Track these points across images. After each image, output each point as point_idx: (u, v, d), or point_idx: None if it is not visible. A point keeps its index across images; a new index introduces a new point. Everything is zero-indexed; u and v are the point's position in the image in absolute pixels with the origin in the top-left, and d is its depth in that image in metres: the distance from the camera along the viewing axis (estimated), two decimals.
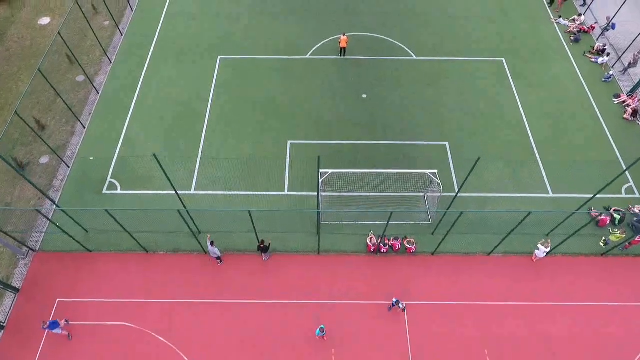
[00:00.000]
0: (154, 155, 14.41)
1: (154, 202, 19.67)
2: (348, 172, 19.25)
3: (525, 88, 24.22)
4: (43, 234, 18.86)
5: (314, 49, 26.05)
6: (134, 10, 28.19)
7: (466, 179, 16.45)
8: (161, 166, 14.89)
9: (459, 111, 23.13)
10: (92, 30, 24.31)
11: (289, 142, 21.89)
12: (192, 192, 20.18)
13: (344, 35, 24.52)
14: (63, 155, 21.38)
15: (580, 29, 26.77)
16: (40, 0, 28.84)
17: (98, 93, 23.85)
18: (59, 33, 21.09)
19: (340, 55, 25.54)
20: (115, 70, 24.88)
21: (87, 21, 24.34)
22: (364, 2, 28.71)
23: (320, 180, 17.92)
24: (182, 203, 17.75)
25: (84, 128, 22.38)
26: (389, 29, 27.16)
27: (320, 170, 18.11)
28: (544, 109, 23.34)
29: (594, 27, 26.81)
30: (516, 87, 24.29)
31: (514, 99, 23.74)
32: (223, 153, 21.40)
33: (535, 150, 21.73)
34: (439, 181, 17.92)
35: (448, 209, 17.40)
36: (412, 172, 18.65)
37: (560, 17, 27.64)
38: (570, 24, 27.28)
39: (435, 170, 18.20)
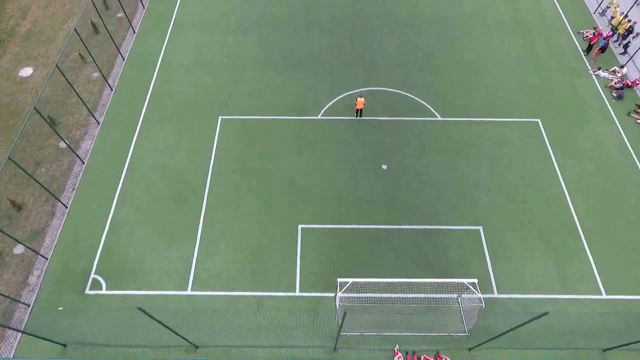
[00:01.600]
0: (139, 308, 11.63)
1: (145, 305, 16.89)
2: (370, 282, 16.41)
3: (565, 156, 21.44)
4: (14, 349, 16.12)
5: (325, 107, 23.27)
6: (125, 59, 25.41)
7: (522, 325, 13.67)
8: (150, 316, 12.08)
9: (492, 186, 20.35)
10: (77, 93, 21.47)
11: (299, 226, 19.12)
12: (189, 292, 17.42)
13: (361, 96, 21.74)
14: (41, 243, 18.63)
15: (623, 84, 23.98)
16: (22, 47, 26.09)
17: (83, 163, 21.09)
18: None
19: (356, 116, 22.78)
20: (103, 135, 22.11)
21: (68, 81, 21.55)
22: (381, 53, 25.89)
23: (340, 294, 15.23)
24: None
25: (66, 208, 19.62)
26: (410, 83, 24.37)
27: (339, 280, 15.44)
28: (588, 182, 20.56)
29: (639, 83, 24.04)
30: (554, 154, 21.51)
31: (552, 170, 20.97)
32: (224, 240, 18.64)
33: (582, 236, 18.95)
34: (480, 295, 15.16)
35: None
36: (448, 283, 15.84)
37: (599, 68, 24.85)
38: (610, 77, 24.50)
39: (475, 280, 15.44)
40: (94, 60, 22.96)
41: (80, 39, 22.07)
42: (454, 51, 26.00)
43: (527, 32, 27.09)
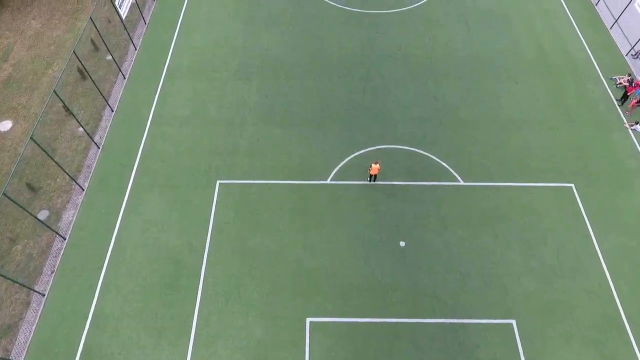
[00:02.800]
0: None
1: None
2: None
3: (604, 230, 19.12)
4: None
5: (336, 169, 20.95)
6: (114, 111, 23.10)
7: None
8: None
9: (524, 269, 18.03)
10: (56, 162, 19.18)
11: (308, 320, 16.82)
12: None
13: (375, 163, 19.41)
14: (13, 341, 16.34)
15: None
16: (1, 96, 23.77)
17: (64, 239, 18.79)
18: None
19: (370, 181, 20.47)
20: (87, 205, 19.81)
21: (46, 152, 19.25)
22: (396, 104, 23.53)
23: None
24: None
25: (43, 297, 17.33)
26: (429, 140, 22.04)
27: None
28: (632, 263, 18.25)
29: None
30: (592, 228, 19.19)
31: (591, 248, 18.65)
32: (222, 338, 16.34)
33: (630, 334, 16.64)
34: None
35: None
36: None
37: (636, 122, 22.50)
38: None
39: None
40: (76, 119, 20.62)
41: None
42: (475, 102, 23.66)
43: (554, 77, 24.76)
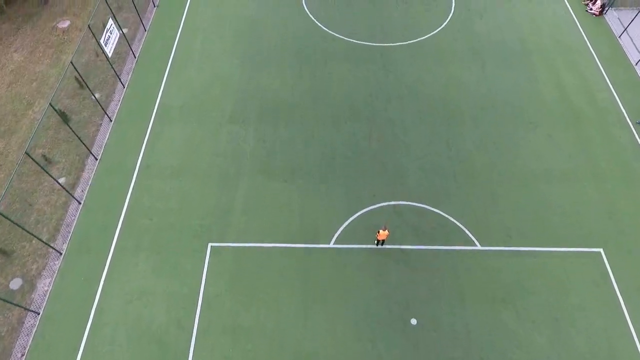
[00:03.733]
0: None
1: None
2: None
3: (638, 305, 17.17)
4: None
5: (339, 231, 19.02)
6: (98, 160, 21.22)
7: None
8: None
9: (551, 356, 16.07)
10: (28, 231, 17.30)
11: None
12: None
13: (384, 229, 17.47)
14: None
15: None
16: None
17: (37, 314, 16.90)
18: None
19: (377, 245, 18.55)
20: (65, 272, 17.91)
21: (16, 224, 17.38)
22: (405, 153, 21.57)
23: None
24: None
25: None
26: (441, 195, 20.11)
27: None
28: None
29: None
30: (626, 305, 17.21)
31: (625, 328, 16.69)
32: None
33: None
34: None
35: None
36: None
37: None
38: None
39: None
40: (51, 176, 18.76)
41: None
42: (491, 150, 21.72)
43: (576, 121, 22.81)
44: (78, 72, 19.99)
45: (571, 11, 28.40)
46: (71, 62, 19.60)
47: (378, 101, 23.58)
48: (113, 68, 22.99)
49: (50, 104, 18.42)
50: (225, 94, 23.83)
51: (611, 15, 28.08)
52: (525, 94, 24.01)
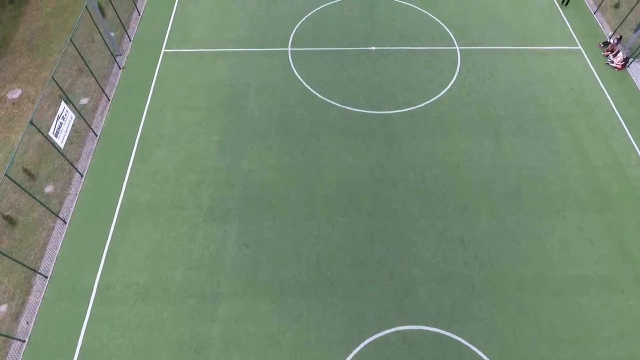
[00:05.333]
0: None
1: None
2: None
3: None
4: None
5: None
6: (48, 279, 17.67)
7: None
8: None
9: None
10: None
11: None
12: None
13: None
14: None
15: None
16: None
17: None
18: None
19: None
20: None
21: None
22: (414, 257, 18.19)
23: None
24: None
25: None
26: (459, 316, 16.84)
27: None
28: None
29: None
30: None
31: None
32: None
33: None
34: None
35: None
36: None
37: None
38: None
39: None
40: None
41: None
42: (514, 248, 18.56)
43: (609, 210, 19.69)
44: (18, 183, 16.47)
45: (590, 65, 25.43)
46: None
47: (380, 187, 20.32)
48: (67, 159, 19.49)
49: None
50: (202, 181, 20.43)
51: (635, 69, 25.14)
52: (548, 172, 20.92)
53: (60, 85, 23.34)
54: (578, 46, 26.47)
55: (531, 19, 27.94)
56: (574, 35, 27.05)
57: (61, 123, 18.91)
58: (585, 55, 26.00)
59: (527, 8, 28.66)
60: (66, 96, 19.70)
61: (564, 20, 27.84)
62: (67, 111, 19.29)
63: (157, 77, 24.44)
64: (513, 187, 20.36)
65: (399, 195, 20.08)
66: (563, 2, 28.64)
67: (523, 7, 28.69)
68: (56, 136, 18.46)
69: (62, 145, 18.86)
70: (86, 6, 21.69)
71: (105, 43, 24.00)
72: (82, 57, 21.23)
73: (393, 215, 19.46)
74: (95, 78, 22.41)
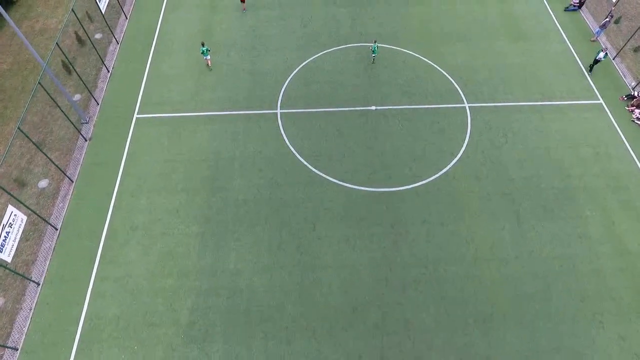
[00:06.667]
0: None
1: None
2: None
3: None
4: None
5: None
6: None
7: None
8: None
9: None
10: None
11: None
12: None
13: None
14: None
15: None
16: None
17: None
18: None
19: None
20: None
21: None
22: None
23: None
24: None
25: None
26: None
27: None
28: None
29: None
30: None
31: None
32: None
33: None
34: None
35: None
36: None
37: None
38: None
39: None
40: None
41: None
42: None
43: (629, 264, 17.15)
44: None
45: (614, 123, 22.83)
46: None
47: (389, 291, 17.47)
48: (17, 272, 16.36)
49: None
50: (180, 288, 17.43)
51: None
52: (579, 262, 18.24)
53: (17, 162, 20.32)
54: (599, 99, 23.88)
55: (545, 69, 25.28)
56: (593, 86, 24.45)
57: (8, 232, 15.81)
58: (607, 110, 23.41)
59: (539, 56, 25.99)
60: (15, 198, 16.53)
61: (581, 70, 25.22)
62: (15, 215, 16.19)
63: (127, 151, 21.35)
64: (541, 286, 17.62)
65: (411, 301, 17.24)
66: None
67: (535, 56, 26.02)
68: (1, 251, 15.36)
69: (9, 260, 15.74)
70: (39, 82, 18.53)
71: (66, 111, 20.89)
72: (35, 141, 18.11)
73: (405, 328, 16.62)
74: (51, 160, 19.27)
